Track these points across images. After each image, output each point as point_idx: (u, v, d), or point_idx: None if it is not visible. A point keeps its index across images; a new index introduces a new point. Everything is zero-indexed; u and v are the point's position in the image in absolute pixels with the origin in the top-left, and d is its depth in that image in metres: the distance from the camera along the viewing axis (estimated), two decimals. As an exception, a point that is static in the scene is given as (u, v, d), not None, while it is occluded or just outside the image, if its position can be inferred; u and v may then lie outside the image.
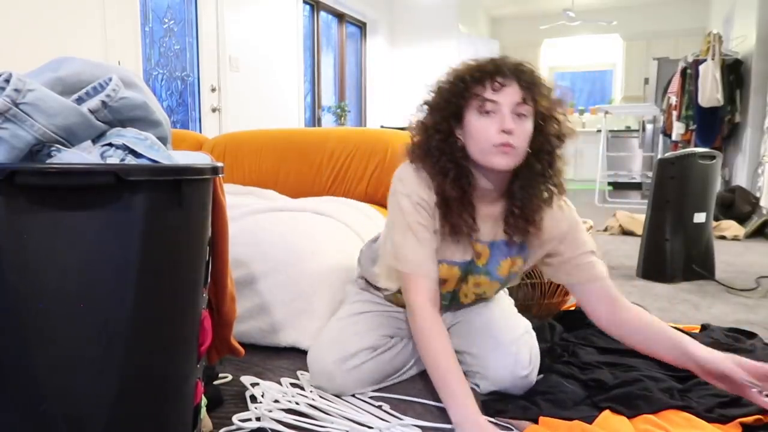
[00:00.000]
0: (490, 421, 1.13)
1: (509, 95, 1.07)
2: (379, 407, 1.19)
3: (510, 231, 1.19)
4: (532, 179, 1.13)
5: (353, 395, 1.26)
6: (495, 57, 1.12)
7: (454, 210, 1.14)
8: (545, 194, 1.15)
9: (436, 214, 1.17)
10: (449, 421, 1.14)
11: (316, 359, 1.27)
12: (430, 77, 1.17)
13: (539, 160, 1.12)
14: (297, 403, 1.18)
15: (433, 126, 1.13)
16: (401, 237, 1.16)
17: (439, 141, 1.12)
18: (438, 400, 1.24)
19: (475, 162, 1.12)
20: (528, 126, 1.09)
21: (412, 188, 1.16)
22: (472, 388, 1.29)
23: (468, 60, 1.13)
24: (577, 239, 1.23)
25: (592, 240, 1.26)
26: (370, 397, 1.25)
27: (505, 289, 1.48)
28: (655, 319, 1.18)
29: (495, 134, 1.06)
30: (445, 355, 1.10)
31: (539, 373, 1.30)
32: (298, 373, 1.37)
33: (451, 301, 1.34)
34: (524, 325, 1.33)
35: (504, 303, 1.40)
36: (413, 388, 1.31)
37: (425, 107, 1.17)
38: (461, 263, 1.23)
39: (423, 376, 1.37)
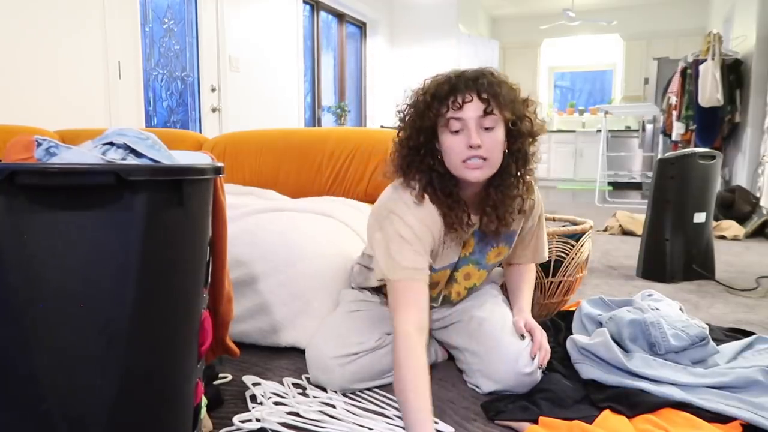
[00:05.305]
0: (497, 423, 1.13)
1: (471, 110, 1.12)
2: (380, 408, 1.20)
3: (484, 228, 1.25)
4: (506, 179, 1.20)
5: (354, 393, 1.26)
6: (452, 74, 1.16)
7: (456, 211, 1.19)
8: (515, 192, 1.22)
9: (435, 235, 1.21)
10: (450, 422, 1.14)
11: (314, 353, 1.30)
12: (406, 93, 1.22)
13: (514, 160, 1.19)
14: (297, 404, 1.18)
15: (411, 145, 1.19)
16: (397, 247, 1.16)
17: (420, 156, 1.18)
18: (439, 400, 1.24)
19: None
20: (497, 135, 1.14)
21: (418, 218, 1.18)
22: (472, 389, 1.30)
23: (428, 80, 1.18)
24: (539, 246, 1.42)
25: (545, 248, 1.44)
26: (371, 398, 1.25)
27: (505, 300, 1.49)
28: (523, 281, 1.43)
29: (464, 150, 1.12)
30: (414, 389, 1.04)
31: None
32: (298, 373, 1.37)
33: (442, 302, 1.40)
34: None
35: (504, 307, 1.41)
36: (413, 388, 1.30)
37: (401, 126, 1.22)
38: (451, 265, 1.30)
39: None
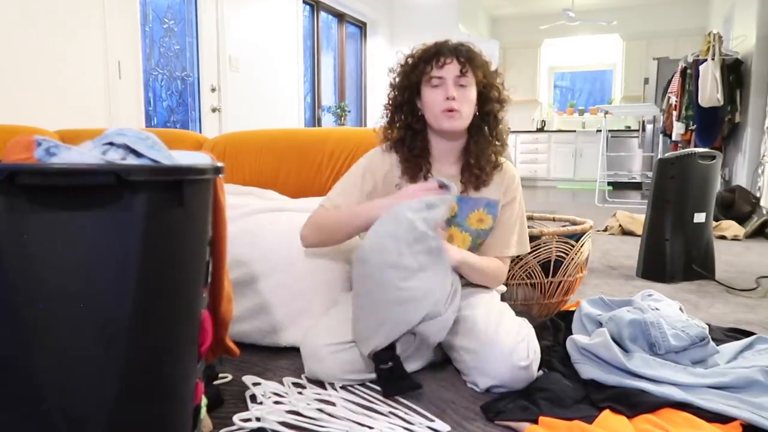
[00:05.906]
0: (496, 423, 1.13)
1: (450, 70, 1.36)
2: (380, 406, 1.20)
3: (465, 179, 1.43)
4: (481, 137, 1.43)
5: (353, 390, 1.26)
6: (438, 41, 1.40)
7: (412, 163, 1.41)
8: (491, 149, 1.43)
9: (386, 180, 1.45)
10: (450, 422, 1.14)
11: (307, 343, 1.34)
12: (392, 64, 1.47)
13: (486, 122, 1.43)
14: (297, 403, 1.18)
15: (397, 103, 1.43)
16: (336, 185, 1.46)
17: (401, 114, 1.43)
18: (439, 400, 1.24)
19: (432, 127, 1.41)
20: (470, 93, 1.38)
21: (369, 160, 1.46)
22: (472, 389, 1.30)
23: (417, 46, 1.42)
24: (505, 237, 1.48)
25: (522, 241, 1.50)
26: (371, 396, 1.25)
27: (499, 296, 1.49)
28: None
29: (442, 101, 1.36)
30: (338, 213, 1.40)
31: (539, 370, 1.30)
32: (298, 373, 1.37)
33: None
34: (521, 321, 1.35)
35: (497, 304, 1.42)
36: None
37: (391, 88, 1.44)
38: None
39: (423, 376, 1.37)
